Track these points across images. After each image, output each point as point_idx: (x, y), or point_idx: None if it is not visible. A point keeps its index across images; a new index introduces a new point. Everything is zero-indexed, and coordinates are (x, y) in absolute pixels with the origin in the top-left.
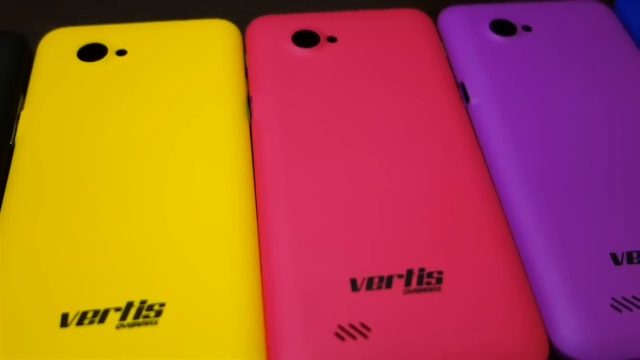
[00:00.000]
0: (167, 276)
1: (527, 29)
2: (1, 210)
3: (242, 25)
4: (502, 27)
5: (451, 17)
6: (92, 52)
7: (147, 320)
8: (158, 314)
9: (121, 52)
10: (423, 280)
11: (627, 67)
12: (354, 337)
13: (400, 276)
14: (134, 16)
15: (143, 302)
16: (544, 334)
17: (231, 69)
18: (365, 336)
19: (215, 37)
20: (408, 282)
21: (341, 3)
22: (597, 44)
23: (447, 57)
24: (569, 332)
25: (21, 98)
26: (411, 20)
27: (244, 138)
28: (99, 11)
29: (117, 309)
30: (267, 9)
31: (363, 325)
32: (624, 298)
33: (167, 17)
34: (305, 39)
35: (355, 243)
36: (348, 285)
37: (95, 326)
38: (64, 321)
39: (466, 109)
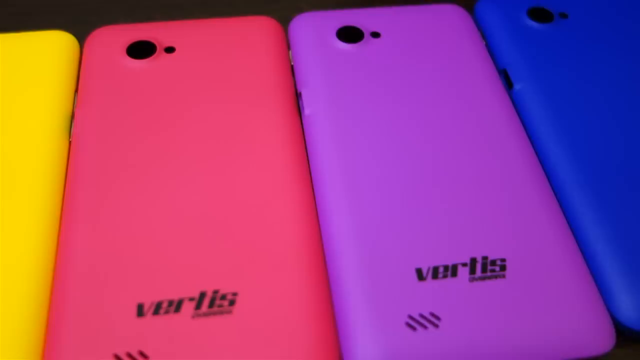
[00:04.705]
0: None
1: (375, 35)
2: None
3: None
4: (349, 34)
5: (300, 24)
6: None
7: None
8: None
9: None
10: (215, 303)
11: (475, 74)
12: None
13: (191, 299)
14: None
15: None
16: (337, 354)
17: (62, 83)
18: None
19: (49, 49)
20: (198, 306)
21: (201, 11)
22: (448, 50)
23: (292, 67)
24: (361, 350)
25: None
26: (259, 28)
27: (58, 157)
28: None
29: None
30: (120, 18)
31: (141, 353)
32: (421, 315)
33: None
34: (141, 49)
35: (150, 265)
36: (134, 310)
37: None
38: None
39: (301, 121)
